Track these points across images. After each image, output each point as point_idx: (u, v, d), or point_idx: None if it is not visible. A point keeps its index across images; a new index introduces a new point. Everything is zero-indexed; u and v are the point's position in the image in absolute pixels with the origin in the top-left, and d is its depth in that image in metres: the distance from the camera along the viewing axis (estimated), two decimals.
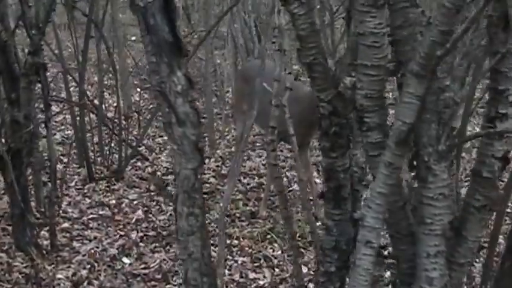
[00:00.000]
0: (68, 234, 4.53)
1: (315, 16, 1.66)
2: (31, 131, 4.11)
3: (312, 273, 4.20)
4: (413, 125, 1.47)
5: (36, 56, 3.93)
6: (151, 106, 8.01)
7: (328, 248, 1.90)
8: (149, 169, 5.95)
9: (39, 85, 4.11)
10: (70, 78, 5.98)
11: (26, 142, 4.09)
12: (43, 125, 4.57)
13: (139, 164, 6.04)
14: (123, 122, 5.78)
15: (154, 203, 5.19)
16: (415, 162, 1.66)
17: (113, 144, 5.90)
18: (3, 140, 4.21)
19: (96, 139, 5.99)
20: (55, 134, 5.95)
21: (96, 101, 6.16)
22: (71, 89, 6.09)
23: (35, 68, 3.99)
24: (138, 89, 8.53)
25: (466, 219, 1.70)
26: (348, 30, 6.07)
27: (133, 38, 11.69)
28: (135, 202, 5.19)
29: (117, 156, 5.84)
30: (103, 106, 5.98)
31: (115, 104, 7.40)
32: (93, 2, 5.24)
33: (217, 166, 6.21)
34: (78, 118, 5.69)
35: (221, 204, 5.18)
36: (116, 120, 5.76)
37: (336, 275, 1.89)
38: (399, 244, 1.73)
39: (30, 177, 4.63)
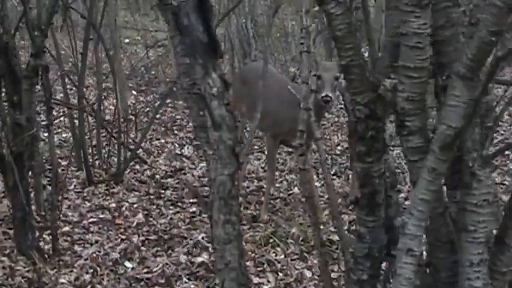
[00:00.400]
0: (69, 238, 4.45)
1: (351, 16, 1.60)
2: (33, 134, 4.04)
3: (316, 277, 4.16)
4: (460, 129, 1.43)
5: (39, 58, 3.86)
6: (147, 109, 7.96)
7: (360, 255, 1.84)
8: (148, 172, 5.88)
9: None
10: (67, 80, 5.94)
11: (27, 145, 4.02)
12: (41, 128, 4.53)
13: (137, 167, 5.98)
14: (122, 125, 5.71)
15: (154, 207, 5.13)
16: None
17: (110, 147, 5.84)
18: (3, 143, 4.14)
19: (94, 142, 5.94)
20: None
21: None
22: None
23: (37, 70, 3.92)
24: (134, 92, 8.48)
25: (509, 226, 1.66)
26: None
27: (126, 41, 11.66)
28: (135, 205, 5.12)
29: (115, 159, 5.79)
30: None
31: (111, 107, 7.36)
32: (92, 4, 5.16)
33: None
34: (76, 121, 5.64)
35: None
36: (114, 123, 5.69)
37: (368, 283, 1.83)
38: (438, 252, 1.68)
39: (30, 181, 4.56)
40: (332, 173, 6.20)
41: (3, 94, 4.05)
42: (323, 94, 4.44)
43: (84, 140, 5.49)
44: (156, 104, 8.30)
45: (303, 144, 2.21)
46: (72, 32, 5.29)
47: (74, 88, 6.37)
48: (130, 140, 5.95)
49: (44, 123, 5.46)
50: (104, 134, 6.02)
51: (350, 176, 6.00)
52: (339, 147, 7.06)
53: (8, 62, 3.86)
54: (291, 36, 10.99)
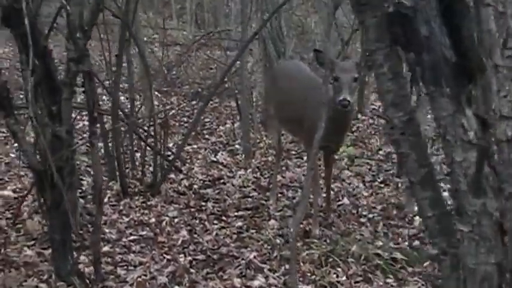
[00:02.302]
0: (110, 260, 4.05)
1: None
2: (74, 149, 3.64)
3: None
4: None
5: (81, 63, 3.45)
6: (173, 111, 7.56)
7: None
8: (185, 182, 5.48)
9: None
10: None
11: (67, 160, 3.62)
12: None
13: (173, 176, 5.58)
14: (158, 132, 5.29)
15: (197, 221, 4.73)
16: None
17: (144, 156, 5.42)
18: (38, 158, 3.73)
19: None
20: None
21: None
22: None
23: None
24: (157, 93, 8.06)
25: None
26: None
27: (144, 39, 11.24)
28: (176, 220, 4.72)
29: (148, 167, 5.41)
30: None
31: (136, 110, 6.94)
32: (128, 3, 4.74)
33: (256, 177, 5.76)
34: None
35: (271, 224, 4.74)
36: (151, 131, 5.26)
37: None
38: None
39: None
40: (379, 180, 5.80)
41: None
42: (341, 97, 4.04)
43: (120, 148, 5.06)
44: (182, 106, 7.94)
45: None
46: (106, 32, 4.88)
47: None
48: (161, 146, 5.51)
49: None
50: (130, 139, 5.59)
51: (399, 185, 5.61)
52: (381, 152, 6.65)
53: (47, 68, 3.45)
54: (314, 34, 10.60)
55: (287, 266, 4.02)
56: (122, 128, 5.30)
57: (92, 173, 5.50)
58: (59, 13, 3.76)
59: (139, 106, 6.25)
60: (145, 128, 5.42)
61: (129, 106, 5.79)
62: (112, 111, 4.86)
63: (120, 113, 5.40)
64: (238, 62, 5.85)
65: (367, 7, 1.31)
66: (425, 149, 1.39)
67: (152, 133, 5.21)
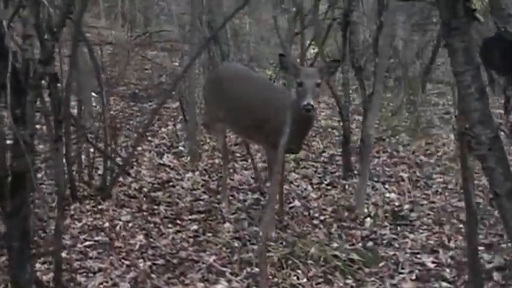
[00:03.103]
0: (67, 266, 3.94)
1: None
2: (35, 153, 3.52)
3: None
4: None
5: (48, 65, 3.34)
6: (113, 113, 7.42)
7: None
8: (135, 185, 5.40)
9: None
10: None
11: (30, 165, 3.49)
12: None
13: (121, 179, 5.46)
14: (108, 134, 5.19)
15: (151, 225, 4.67)
16: None
17: (92, 159, 5.31)
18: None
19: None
20: None
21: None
22: None
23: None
24: (94, 94, 7.89)
25: None
26: (344, 37, 5.59)
27: None
28: (130, 224, 4.64)
29: (95, 170, 5.30)
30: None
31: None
32: (81, 3, 4.62)
33: (204, 180, 5.74)
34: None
35: (227, 227, 4.73)
36: (96, 133, 5.16)
37: None
38: None
39: None
40: (326, 182, 5.88)
41: None
42: (305, 102, 4.16)
43: (70, 151, 4.92)
44: (123, 107, 7.82)
45: None
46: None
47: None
48: (109, 147, 5.39)
49: None
50: (75, 141, 5.45)
51: (346, 187, 5.70)
52: (324, 154, 6.74)
53: (13, 69, 3.33)
54: (248, 35, 10.67)
55: (248, 269, 4.04)
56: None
57: (37, 176, 5.38)
58: (17, 12, 3.62)
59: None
60: (94, 131, 5.30)
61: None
62: (64, 114, 4.71)
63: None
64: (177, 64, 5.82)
65: (457, 32, 1.35)
66: (508, 163, 1.42)
67: (104, 137, 5.11)
